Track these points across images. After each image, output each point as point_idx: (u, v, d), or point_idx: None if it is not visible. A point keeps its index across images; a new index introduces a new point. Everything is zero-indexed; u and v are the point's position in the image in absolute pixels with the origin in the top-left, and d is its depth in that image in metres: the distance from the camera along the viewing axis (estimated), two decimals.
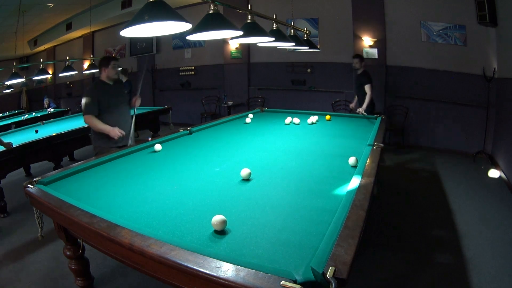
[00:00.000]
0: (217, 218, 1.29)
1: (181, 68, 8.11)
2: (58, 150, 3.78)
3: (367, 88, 4.58)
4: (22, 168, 4.42)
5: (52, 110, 6.90)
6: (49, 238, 2.61)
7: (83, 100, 2.92)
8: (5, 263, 2.51)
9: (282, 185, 1.82)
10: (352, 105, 5.01)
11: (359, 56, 4.86)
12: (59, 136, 3.71)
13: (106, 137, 2.98)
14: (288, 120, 3.64)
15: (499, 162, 4.28)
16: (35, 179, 1.82)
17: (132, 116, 3.23)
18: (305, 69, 6.61)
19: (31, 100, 11.20)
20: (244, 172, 1.88)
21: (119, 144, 3.04)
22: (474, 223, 2.97)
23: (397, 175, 4.49)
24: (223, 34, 2.04)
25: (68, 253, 1.83)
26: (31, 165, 4.58)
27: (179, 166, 2.21)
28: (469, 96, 5.04)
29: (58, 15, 8.01)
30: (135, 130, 3.43)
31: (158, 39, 8.29)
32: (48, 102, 8.16)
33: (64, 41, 9.91)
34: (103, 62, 3.04)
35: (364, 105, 4.49)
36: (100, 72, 3.08)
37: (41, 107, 7.83)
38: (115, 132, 2.94)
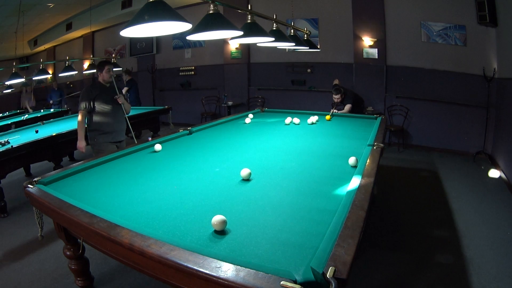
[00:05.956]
0: (217, 218, 1.29)
1: (181, 68, 8.11)
2: (58, 150, 3.78)
3: (347, 106, 4.57)
4: (22, 168, 4.42)
5: (52, 110, 6.90)
6: (49, 238, 2.62)
7: (80, 98, 3.23)
8: (5, 263, 2.51)
9: (282, 185, 1.81)
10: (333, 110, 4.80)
11: (339, 91, 4.60)
12: (59, 136, 3.71)
13: (102, 133, 3.23)
14: (288, 120, 3.64)
15: (499, 162, 4.28)
16: (35, 179, 1.82)
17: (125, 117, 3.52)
18: (305, 69, 6.61)
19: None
20: (244, 172, 1.88)
21: (115, 140, 3.34)
22: (474, 223, 2.97)
23: (397, 175, 4.49)
24: (223, 34, 2.03)
25: (68, 253, 1.83)
26: (31, 165, 4.58)
27: (179, 166, 2.21)
28: (469, 96, 5.05)
29: (58, 15, 8.01)
30: (132, 130, 3.69)
31: (158, 39, 8.29)
32: (56, 84, 8.16)
33: (64, 41, 9.90)
34: (99, 66, 3.31)
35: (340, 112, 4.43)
36: (97, 75, 3.36)
37: (41, 107, 7.82)
38: (81, 144, 3.25)
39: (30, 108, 7.80)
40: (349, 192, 1.55)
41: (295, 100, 6.68)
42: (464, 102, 5.07)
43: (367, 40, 5.75)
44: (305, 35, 3.99)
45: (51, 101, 7.95)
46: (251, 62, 7.26)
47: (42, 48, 10.12)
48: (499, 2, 4.04)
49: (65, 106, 7.73)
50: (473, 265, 2.33)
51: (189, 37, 1.96)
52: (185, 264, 1.02)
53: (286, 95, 6.85)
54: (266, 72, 7.10)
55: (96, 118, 3.22)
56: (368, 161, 2.01)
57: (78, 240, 1.68)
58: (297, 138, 3.00)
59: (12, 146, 3.21)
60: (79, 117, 3.19)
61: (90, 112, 3.20)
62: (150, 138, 3.38)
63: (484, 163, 4.67)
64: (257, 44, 3.11)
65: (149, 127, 5.30)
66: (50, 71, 9.97)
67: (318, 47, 5.67)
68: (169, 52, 8.29)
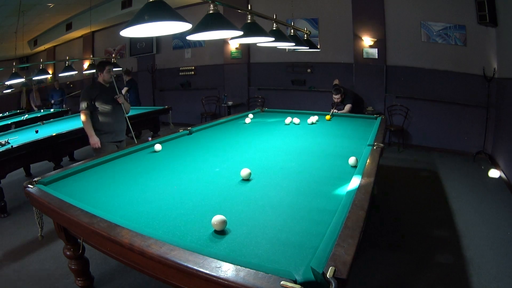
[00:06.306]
0: (217, 218, 1.29)
1: (181, 68, 8.11)
2: (58, 150, 3.77)
3: (347, 106, 4.59)
4: (22, 168, 4.42)
5: (52, 110, 6.89)
6: (49, 238, 2.62)
7: (80, 98, 3.22)
8: (5, 263, 2.51)
9: (282, 185, 1.81)
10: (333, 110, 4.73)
11: (339, 91, 4.61)
12: (59, 136, 3.71)
13: (103, 133, 3.25)
14: (288, 120, 3.64)
15: (499, 162, 4.28)
16: (35, 179, 1.82)
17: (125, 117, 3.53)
18: (305, 69, 6.61)
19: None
20: (244, 172, 1.88)
21: (115, 140, 3.35)
22: (474, 223, 2.97)
23: (397, 175, 4.49)
24: (223, 34, 2.03)
25: (68, 253, 1.83)
26: (31, 165, 4.57)
27: (179, 166, 2.21)
28: (469, 96, 5.04)
29: (58, 15, 8.01)
30: (132, 130, 3.71)
31: (158, 39, 8.29)
32: (58, 84, 8.17)
33: (64, 41, 9.90)
34: (99, 66, 3.31)
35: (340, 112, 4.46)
36: (97, 75, 3.35)
37: (43, 106, 7.82)
38: (94, 141, 3.20)
39: (36, 107, 7.81)
40: (349, 192, 1.55)
41: (295, 100, 6.68)
42: (464, 102, 5.07)
43: (367, 40, 5.75)
44: (305, 35, 3.99)
45: (52, 101, 7.95)
46: (251, 62, 7.25)
47: (42, 48, 10.12)
48: (499, 2, 4.04)
49: (64, 106, 7.73)
50: (473, 265, 2.33)
51: (189, 37, 1.96)
52: (185, 264, 1.02)
53: (286, 95, 6.85)
54: (266, 72, 7.09)
55: (96, 118, 3.22)
56: (368, 161, 2.01)
57: (78, 240, 1.68)
58: (297, 138, 3.00)
59: (12, 146, 3.21)
60: (83, 117, 3.18)
61: (90, 112, 3.20)
62: (150, 138, 3.38)
63: (484, 163, 4.67)
64: (257, 44, 3.11)
65: (149, 127, 5.30)
66: (50, 71, 9.97)
67: (318, 47, 5.67)
68: (169, 52, 8.29)
